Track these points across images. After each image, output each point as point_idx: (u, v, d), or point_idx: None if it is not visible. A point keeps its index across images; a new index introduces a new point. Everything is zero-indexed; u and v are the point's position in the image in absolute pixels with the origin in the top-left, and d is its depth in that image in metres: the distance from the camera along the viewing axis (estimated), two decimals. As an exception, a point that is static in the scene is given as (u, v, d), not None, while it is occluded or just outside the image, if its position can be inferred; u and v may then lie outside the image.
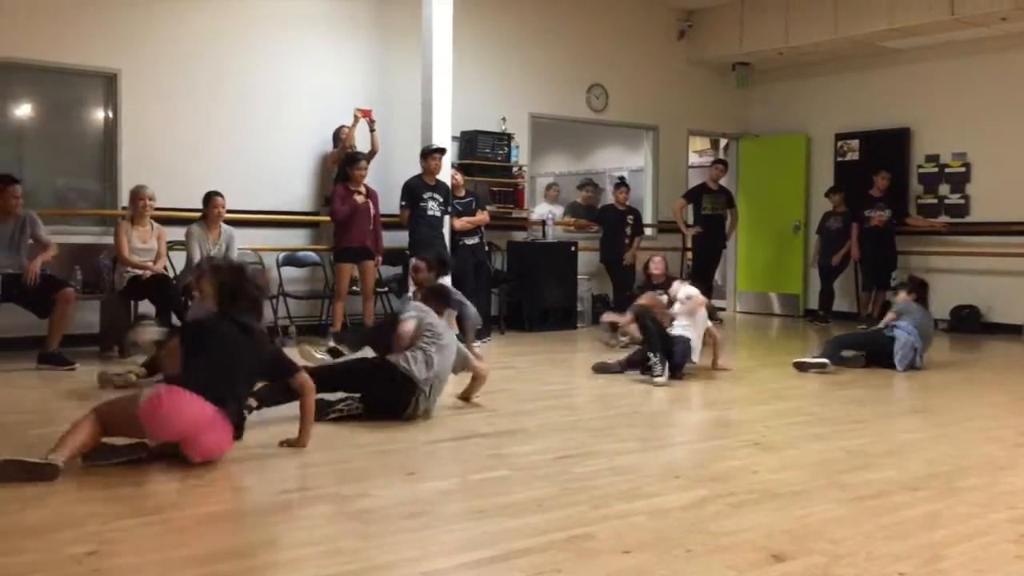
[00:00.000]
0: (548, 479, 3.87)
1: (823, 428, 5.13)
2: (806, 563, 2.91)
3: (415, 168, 8.56)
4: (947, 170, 10.65)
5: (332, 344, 6.70)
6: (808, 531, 3.23)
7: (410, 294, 5.61)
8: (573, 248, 10.15)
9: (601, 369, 6.86)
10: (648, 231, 11.24)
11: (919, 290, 7.65)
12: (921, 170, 10.88)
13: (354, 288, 8.17)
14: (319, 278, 8.85)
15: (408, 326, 5.16)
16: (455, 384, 5.57)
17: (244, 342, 4.11)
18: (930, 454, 4.51)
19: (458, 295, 6.60)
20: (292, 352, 5.30)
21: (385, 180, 8.79)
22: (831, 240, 10.85)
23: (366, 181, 8.06)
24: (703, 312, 6.90)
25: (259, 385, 4.55)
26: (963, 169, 10.52)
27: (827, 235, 10.93)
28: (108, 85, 7.96)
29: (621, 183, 10.65)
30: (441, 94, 8.76)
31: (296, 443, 4.24)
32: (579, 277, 10.25)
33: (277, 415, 4.63)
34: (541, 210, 10.82)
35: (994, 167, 10.24)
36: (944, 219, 10.61)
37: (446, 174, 8.72)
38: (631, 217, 10.43)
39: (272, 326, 7.69)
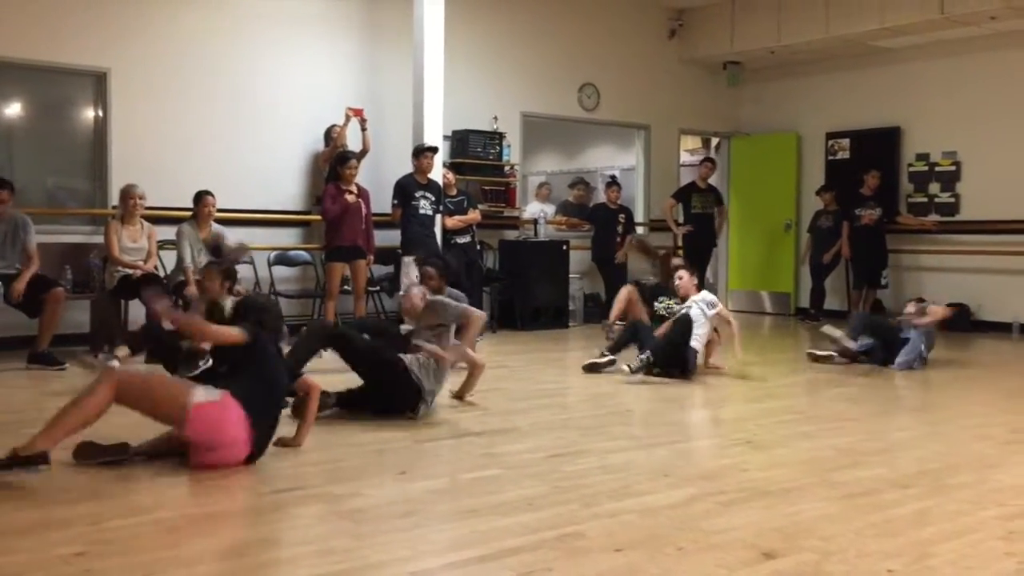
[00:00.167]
0: (539, 478, 3.88)
1: (814, 426, 5.15)
2: (796, 560, 2.92)
3: (407, 167, 8.56)
4: (937, 169, 10.68)
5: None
6: (798, 529, 3.25)
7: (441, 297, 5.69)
8: (565, 247, 10.16)
9: (592, 369, 6.86)
10: (640, 230, 11.25)
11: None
12: (911, 169, 10.92)
13: (345, 287, 8.17)
14: (310, 277, 8.84)
15: (415, 293, 5.44)
16: (450, 380, 5.57)
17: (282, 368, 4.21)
18: (920, 452, 4.53)
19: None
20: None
21: (377, 179, 8.79)
22: (822, 239, 10.87)
23: (357, 180, 8.05)
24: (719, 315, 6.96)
25: None
26: (953, 168, 10.55)
27: (818, 234, 10.96)
28: (98, 84, 7.94)
29: (612, 182, 10.67)
30: (432, 93, 8.77)
31: (292, 442, 4.26)
32: (571, 276, 10.27)
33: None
34: (533, 209, 10.84)
35: (984, 166, 10.28)
36: (934, 218, 10.65)
37: (438, 173, 8.72)
38: (623, 216, 10.44)
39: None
